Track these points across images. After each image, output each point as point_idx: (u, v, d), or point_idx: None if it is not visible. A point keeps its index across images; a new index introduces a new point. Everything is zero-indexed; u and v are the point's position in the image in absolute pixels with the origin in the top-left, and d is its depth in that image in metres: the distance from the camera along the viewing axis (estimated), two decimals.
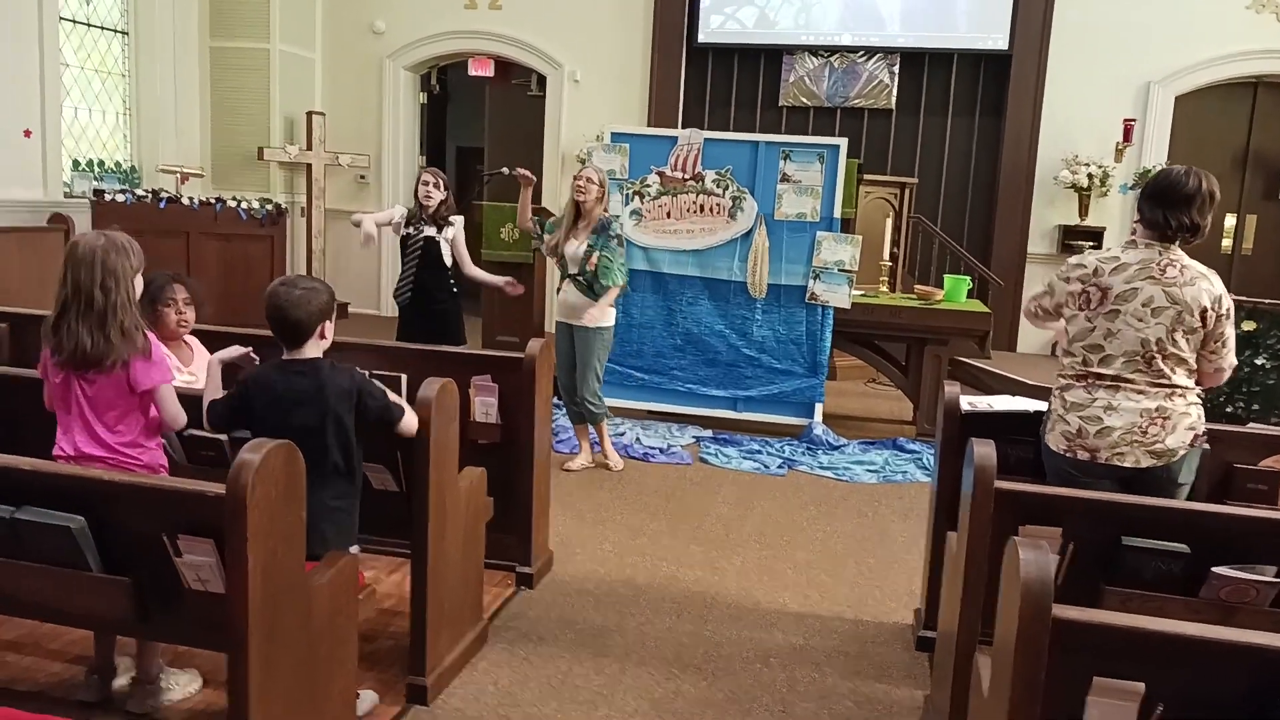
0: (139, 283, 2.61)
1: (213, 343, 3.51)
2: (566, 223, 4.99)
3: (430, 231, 5.10)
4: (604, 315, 4.93)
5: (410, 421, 2.68)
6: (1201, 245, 2.89)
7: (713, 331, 6.16)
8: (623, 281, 4.97)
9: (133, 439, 2.59)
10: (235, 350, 2.87)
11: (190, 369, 3.39)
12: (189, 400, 2.84)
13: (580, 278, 4.93)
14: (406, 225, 5.17)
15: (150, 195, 7.55)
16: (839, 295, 5.98)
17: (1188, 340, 2.74)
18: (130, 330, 2.50)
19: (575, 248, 4.93)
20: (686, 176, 6.12)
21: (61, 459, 2.56)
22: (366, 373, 3.61)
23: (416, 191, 5.16)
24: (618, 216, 5.07)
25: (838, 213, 6.02)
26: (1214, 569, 2.28)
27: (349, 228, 9.07)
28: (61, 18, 7.53)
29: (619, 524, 4.44)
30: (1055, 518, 2.46)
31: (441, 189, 5.13)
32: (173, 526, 2.14)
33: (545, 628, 3.37)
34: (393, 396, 2.72)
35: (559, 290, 5.12)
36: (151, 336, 2.60)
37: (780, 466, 5.46)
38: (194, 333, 3.43)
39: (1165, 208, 2.75)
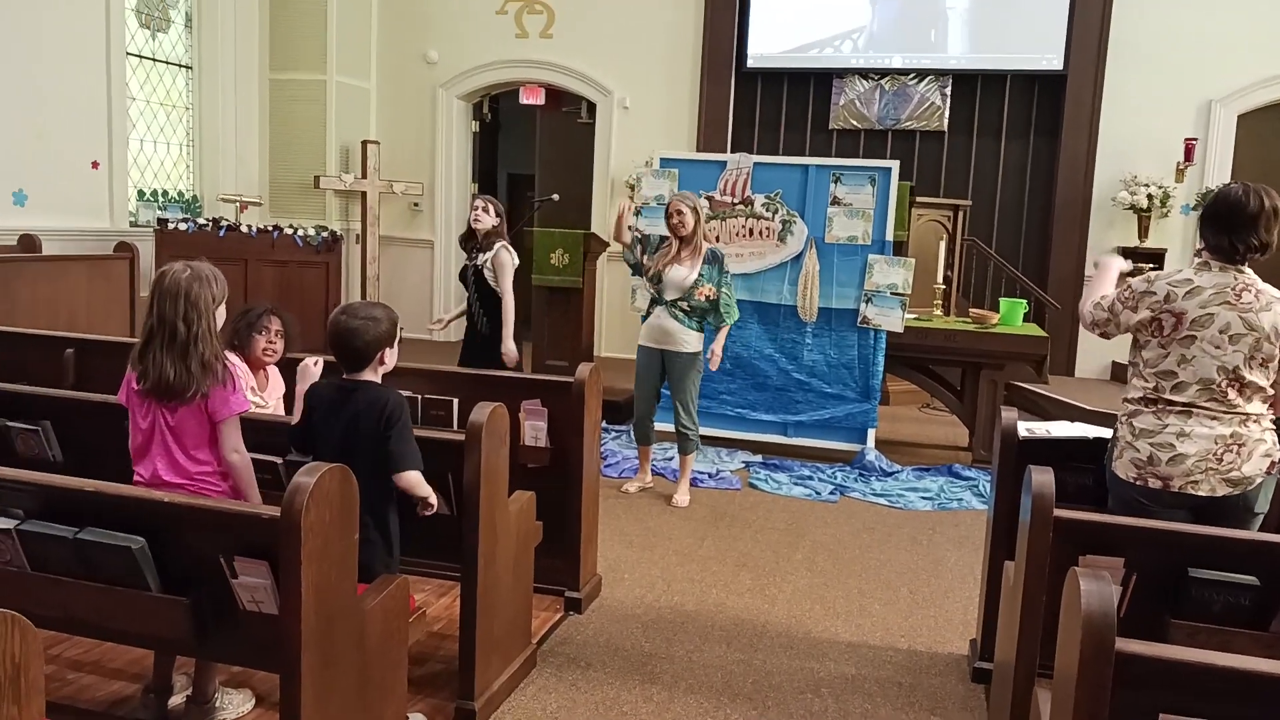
0: (222, 313, 2.67)
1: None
2: (671, 250, 4.90)
3: (479, 259, 5.14)
4: (696, 340, 4.95)
5: (412, 479, 2.59)
6: (1268, 269, 2.81)
7: (762, 355, 6.12)
8: (736, 316, 5.00)
9: (215, 468, 2.63)
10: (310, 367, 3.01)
11: (264, 395, 3.52)
12: (260, 425, 2.92)
13: (683, 303, 4.88)
14: (468, 256, 5.21)
15: (210, 223, 7.75)
16: (891, 319, 5.92)
17: (1265, 368, 2.65)
18: (210, 361, 2.55)
19: (683, 274, 4.84)
20: (736, 201, 6.12)
21: (140, 485, 2.61)
22: (420, 397, 3.69)
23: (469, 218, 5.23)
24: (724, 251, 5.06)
25: (890, 235, 5.96)
26: None
27: (402, 254, 9.32)
28: (129, 54, 7.81)
29: (668, 549, 4.42)
30: (1117, 548, 2.40)
31: (492, 214, 5.12)
32: (229, 548, 2.17)
33: (593, 653, 3.35)
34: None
35: (646, 315, 5.07)
36: (233, 365, 2.66)
37: (832, 493, 5.40)
38: None
39: (1230, 232, 2.66)
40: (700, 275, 4.85)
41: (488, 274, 5.12)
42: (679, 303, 4.89)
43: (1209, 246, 2.73)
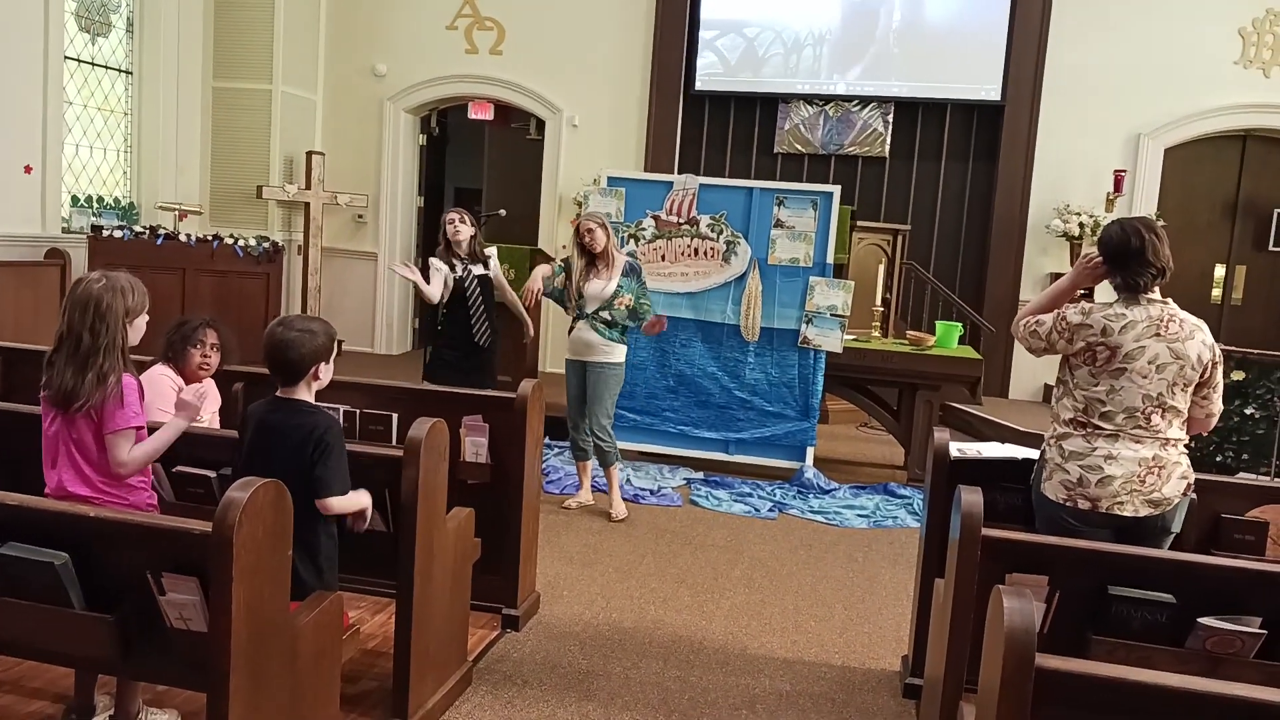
0: (139, 324, 2.63)
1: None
2: (580, 266, 5.04)
3: (478, 270, 5.21)
4: (618, 352, 5.06)
5: (338, 504, 2.57)
6: (1190, 295, 2.94)
7: (705, 373, 6.18)
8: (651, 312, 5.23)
9: (118, 478, 2.58)
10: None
11: None
12: (194, 439, 2.88)
13: (604, 314, 4.97)
14: (451, 270, 5.20)
15: (148, 232, 7.59)
16: (831, 340, 6.01)
17: (1184, 392, 2.78)
18: (106, 374, 2.50)
19: (600, 286, 4.98)
20: (681, 221, 6.18)
21: (49, 497, 2.55)
22: (358, 411, 3.66)
23: (444, 231, 5.24)
24: (635, 253, 5.22)
25: (831, 258, 6.08)
26: (1199, 619, 2.28)
27: (345, 266, 9.21)
28: (67, 57, 7.63)
29: (607, 566, 4.42)
30: (1042, 566, 2.46)
31: (468, 224, 5.23)
32: (157, 564, 2.13)
33: (530, 671, 3.34)
34: (355, 495, 2.64)
35: (570, 329, 5.14)
36: (129, 380, 2.57)
37: (771, 510, 5.45)
38: None
39: (1124, 271, 2.81)
40: (620, 286, 4.98)
41: (498, 283, 5.27)
42: (600, 313, 4.98)
43: (1116, 285, 2.85)
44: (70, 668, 2.68)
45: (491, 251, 5.35)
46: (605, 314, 4.98)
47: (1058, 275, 8.05)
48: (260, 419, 2.63)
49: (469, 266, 5.20)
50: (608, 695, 3.20)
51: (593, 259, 5.04)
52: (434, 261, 5.27)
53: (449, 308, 5.23)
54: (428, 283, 5.16)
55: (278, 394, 2.65)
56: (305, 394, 2.64)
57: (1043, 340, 2.93)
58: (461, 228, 5.20)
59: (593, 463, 5.32)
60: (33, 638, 2.24)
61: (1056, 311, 2.91)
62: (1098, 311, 2.83)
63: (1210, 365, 2.79)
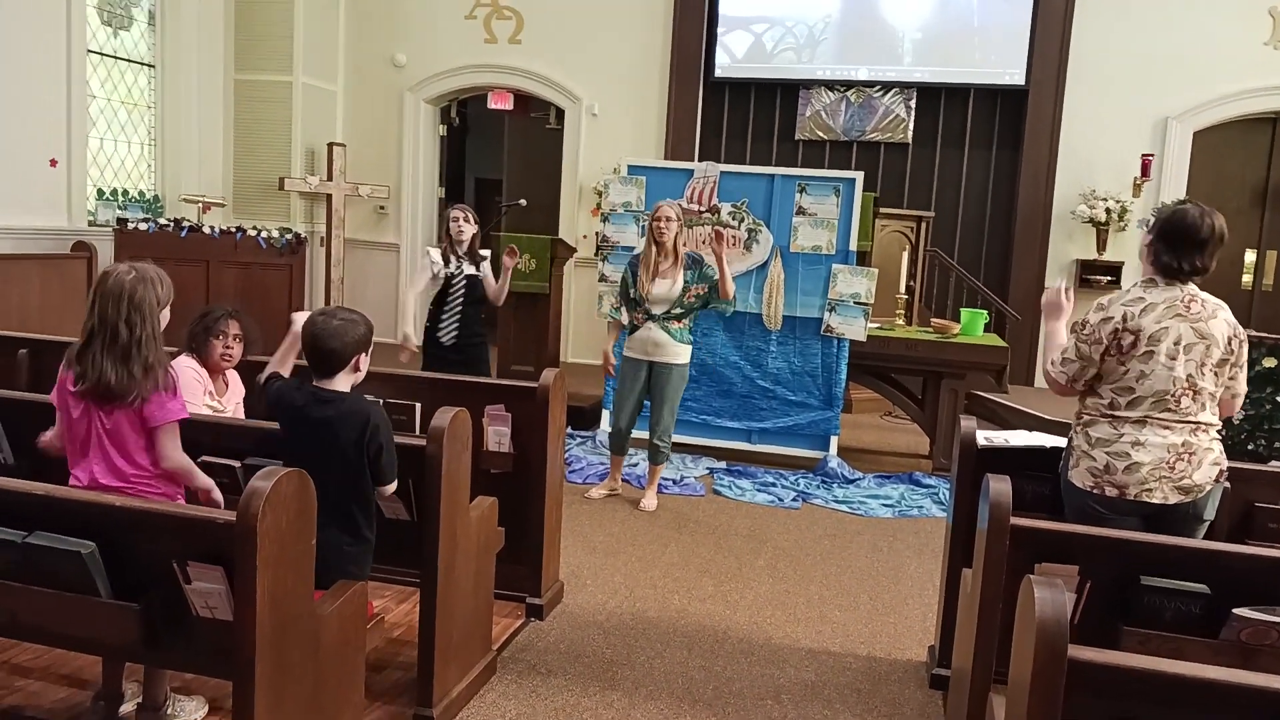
0: (166, 315, 2.63)
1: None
2: (649, 265, 4.92)
3: (470, 270, 5.21)
4: (685, 353, 5.01)
5: (389, 491, 2.71)
6: (1220, 281, 2.89)
7: (728, 363, 6.15)
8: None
9: (152, 472, 2.58)
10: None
11: (221, 400, 3.49)
12: (219, 429, 2.88)
13: (675, 311, 4.90)
14: (445, 265, 5.22)
15: (172, 224, 7.64)
16: (854, 328, 5.97)
17: (1214, 373, 2.73)
18: (153, 365, 2.51)
19: (668, 287, 4.90)
20: (703, 209, 6.15)
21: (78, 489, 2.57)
22: (381, 401, 3.66)
23: (448, 228, 5.26)
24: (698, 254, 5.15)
25: (854, 245, 6.03)
26: (1234, 610, 2.24)
27: (367, 257, 9.24)
28: (90, 51, 7.68)
29: (631, 555, 4.42)
30: (1072, 555, 2.43)
31: (472, 223, 5.24)
32: (183, 553, 2.14)
33: (554, 660, 3.34)
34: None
35: (633, 328, 5.06)
36: (174, 371, 2.60)
37: (794, 499, 5.43)
38: None
39: (1178, 253, 2.74)
40: (685, 282, 4.90)
41: (486, 284, 5.25)
42: (670, 313, 4.91)
43: (1156, 263, 2.79)
44: (98, 656, 2.70)
45: (485, 254, 5.33)
46: (677, 309, 4.90)
47: (1085, 262, 8.02)
48: (295, 407, 2.61)
49: (462, 265, 5.20)
50: (632, 684, 3.20)
51: (657, 250, 4.91)
52: (431, 252, 5.31)
53: (434, 302, 5.28)
54: (418, 273, 5.33)
55: (315, 384, 2.63)
56: (343, 386, 2.64)
57: (1075, 358, 2.82)
58: (465, 227, 5.20)
59: (625, 458, 5.32)
60: (61, 626, 2.26)
61: (1073, 328, 2.86)
62: (1116, 302, 2.80)
63: (1238, 343, 2.76)
